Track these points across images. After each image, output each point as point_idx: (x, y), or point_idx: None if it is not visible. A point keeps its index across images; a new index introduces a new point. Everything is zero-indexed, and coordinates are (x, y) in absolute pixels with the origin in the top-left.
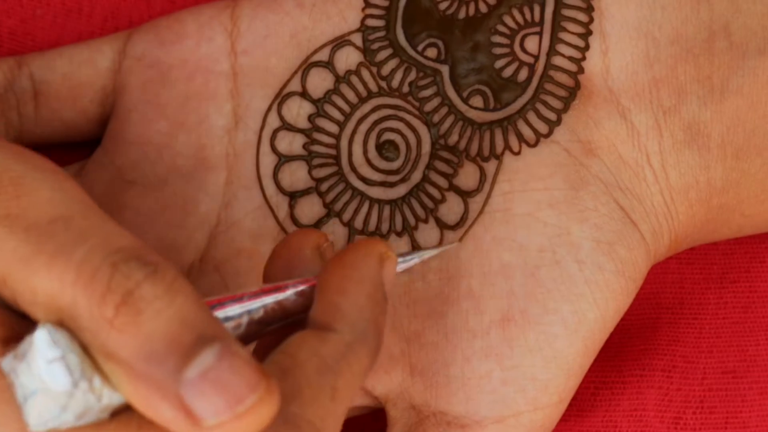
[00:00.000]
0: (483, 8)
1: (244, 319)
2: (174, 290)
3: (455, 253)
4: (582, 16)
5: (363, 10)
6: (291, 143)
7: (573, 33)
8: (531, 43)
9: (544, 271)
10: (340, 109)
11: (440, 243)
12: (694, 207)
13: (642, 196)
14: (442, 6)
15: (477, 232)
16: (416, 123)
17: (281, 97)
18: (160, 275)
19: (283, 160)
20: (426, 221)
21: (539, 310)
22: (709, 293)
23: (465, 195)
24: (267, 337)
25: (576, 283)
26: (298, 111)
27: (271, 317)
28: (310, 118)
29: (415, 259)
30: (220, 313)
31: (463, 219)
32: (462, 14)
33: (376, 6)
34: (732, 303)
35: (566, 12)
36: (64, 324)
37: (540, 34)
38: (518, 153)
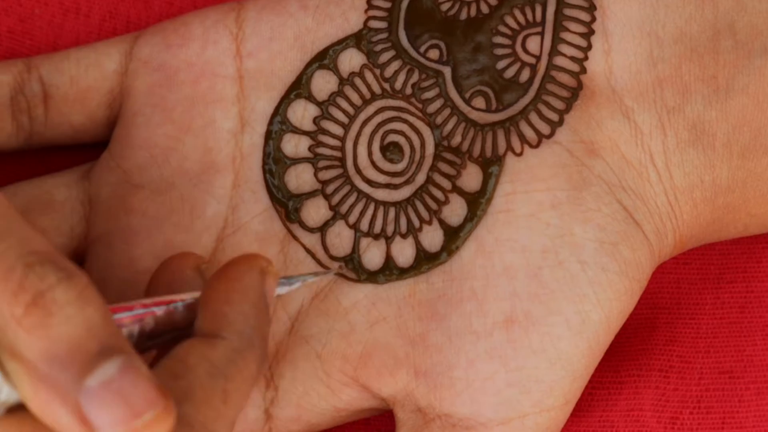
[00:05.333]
0: (484, 9)
1: (135, 329)
2: (85, 298)
3: (458, 255)
4: (584, 16)
5: (366, 11)
6: (297, 146)
7: (575, 33)
8: (533, 44)
9: (547, 272)
10: (344, 111)
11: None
12: (699, 206)
13: (645, 196)
14: (444, 7)
15: (480, 234)
16: (419, 125)
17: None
18: (73, 281)
19: (289, 162)
20: (430, 223)
21: (543, 312)
22: (706, 293)
23: (468, 196)
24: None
25: (579, 284)
26: (303, 113)
27: (161, 329)
28: (315, 120)
29: (297, 284)
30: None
31: (465, 220)
32: (464, 15)
33: (378, 8)
34: (729, 303)
35: (568, 11)
36: None
37: (542, 34)
38: (520, 154)
